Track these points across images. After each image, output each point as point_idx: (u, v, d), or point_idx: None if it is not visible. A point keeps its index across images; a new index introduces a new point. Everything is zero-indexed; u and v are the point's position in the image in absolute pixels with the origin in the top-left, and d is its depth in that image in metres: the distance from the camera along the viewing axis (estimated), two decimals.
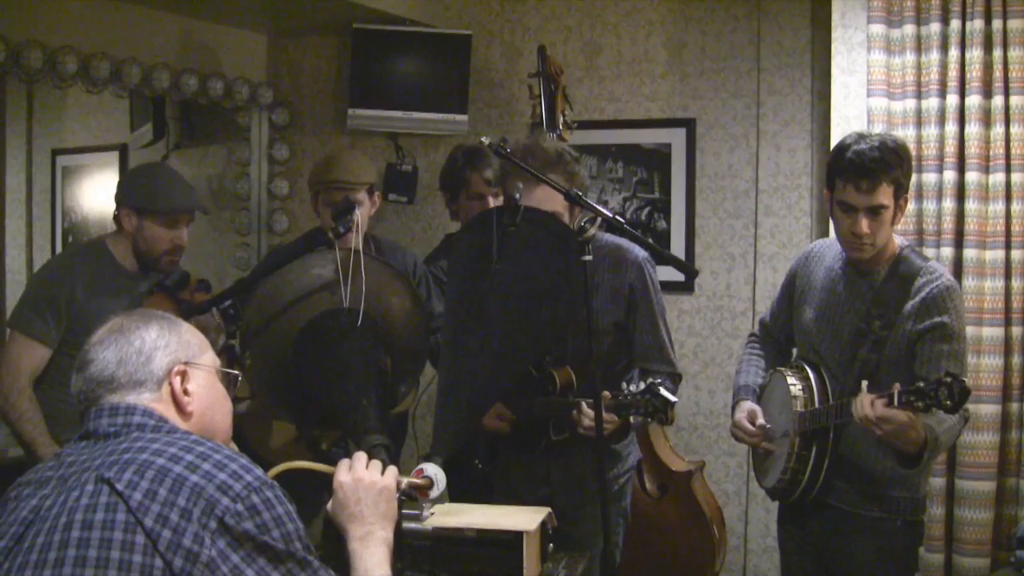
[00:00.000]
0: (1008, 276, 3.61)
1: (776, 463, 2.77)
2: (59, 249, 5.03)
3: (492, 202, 3.48)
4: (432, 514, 2.16)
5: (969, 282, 3.60)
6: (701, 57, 4.26)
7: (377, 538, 1.79)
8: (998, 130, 3.60)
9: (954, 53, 3.64)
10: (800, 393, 2.70)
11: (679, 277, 4.01)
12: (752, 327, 3.53)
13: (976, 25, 3.59)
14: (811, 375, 2.72)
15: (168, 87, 4.13)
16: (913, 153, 3.53)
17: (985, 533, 3.59)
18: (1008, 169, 3.60)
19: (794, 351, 2.97)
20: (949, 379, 2.27)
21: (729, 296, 4.27)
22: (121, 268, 3.11)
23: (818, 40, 4.08)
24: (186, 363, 1.70)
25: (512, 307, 2.49)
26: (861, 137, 2.59)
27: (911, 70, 3.74)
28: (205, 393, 1.72)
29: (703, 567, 3.80)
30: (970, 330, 3.34)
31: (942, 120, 3.68)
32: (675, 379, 2.97)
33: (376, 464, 1.89)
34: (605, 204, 4.27)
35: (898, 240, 2.71)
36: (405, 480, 1.99)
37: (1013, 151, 3.59)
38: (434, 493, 2.09)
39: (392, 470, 1.91)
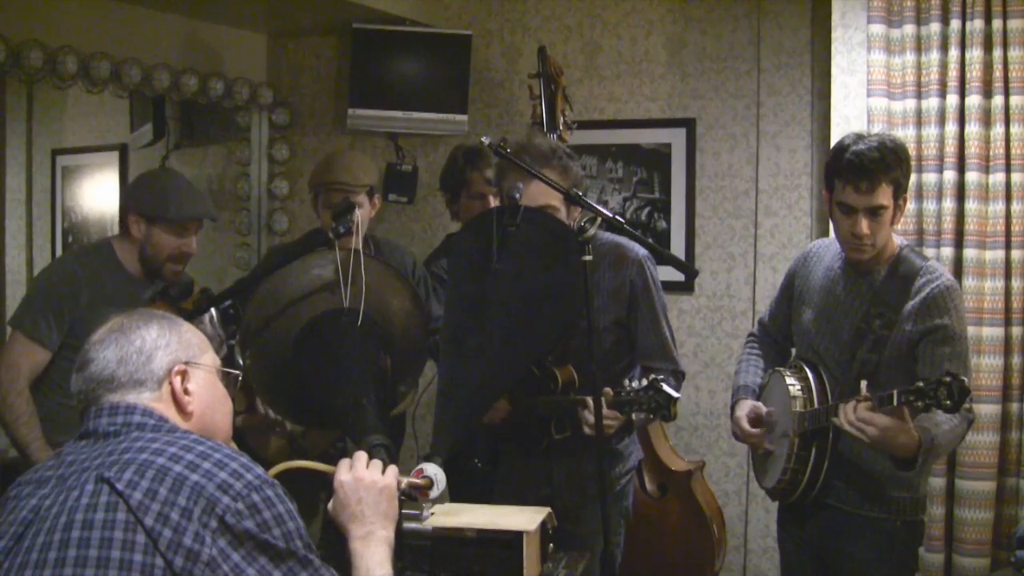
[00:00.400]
0: (1008, 276, 3.61)
1: (776, 463, 2.77)
2: (59, 249, 5.03)
3: (493, 202, 3.48)
4: (432, 514, 2.16)
5: (969, 282, 3.60)
6: (701, 57, 4.26)
7: (378, 537, 1.79)
8: (998, 130, 3.60)
9: (954, 53, 3.64)
10: (799, 393, 2.70)
11: (679, 277, 4.00)
12: (752, 327, 3.53)
13: (976, 25, 3.59)
14: (810, 375, 2.72)
15: (168, 87, 4.13)
16: (913, 153, 3.55)
17: (985, 533, 3.59)
18: (1008, 169, 3.60)
19: (792, 351, 2.97)
20: (948, 378, 2.28)
21: (729, 296, 4.27)
22: (126, 273, 3.10)
23: (818, 40, 4.09)
24: (186, 363, 1.70)
25: (512, 307, 2.48)
26: (859, 138, 2.59)
27: (911, 70, 3.74)
28: (205, 393, 1.72)
29: (703, 567, 3.81)
30: (970, 330, 3.33)
31: (942, 120, 3.68)
32: (678, 376, 2.96)
33: (376, 463, 1.89)
34: (605, 204, 4.27)
35: (898, 240, 2.71)
36: (405, 480, 1.99)
37: (1013, 151, 3.59)
38: (434, 493, 2.09)
39: (392, 469, 1.91)
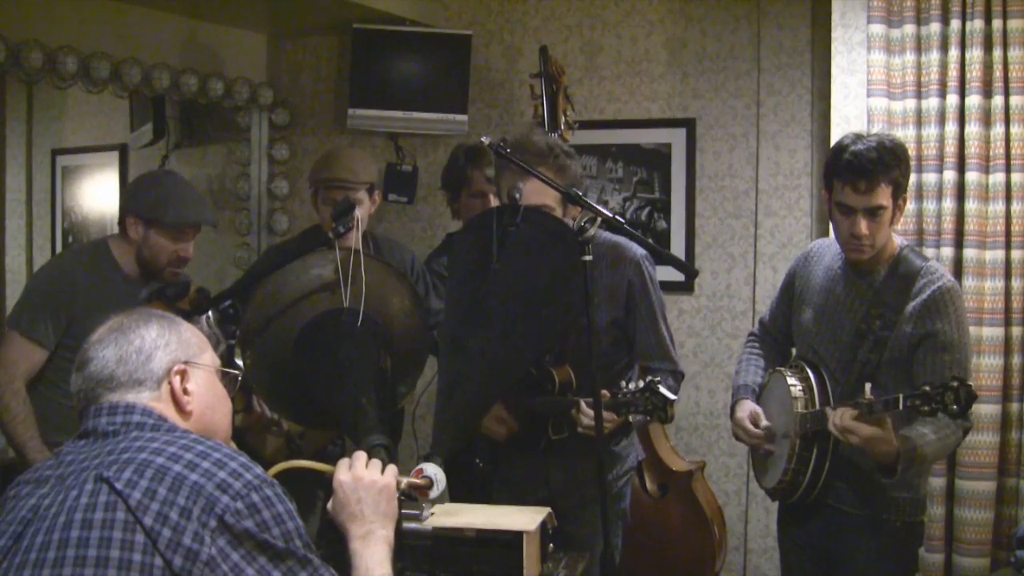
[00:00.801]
0: (1008, 276, 3.61)
1: (776, 464, 2.76)
2: (59, 249, 5.02)
3: (493, 200, 3.48)
4: (432, 514, 2.16)
5: (969, 282, 3.60)
6: (701, 57, 4.26)
7: (378, 537, 1.79)
8: (998, 130, 3.60)
9: (954, 53, 3.64)
10: (800, 394, 2.69)
11: (679, 277, 4.01)
12: (752, 327, 3.53)
13: (976, 25, 3.59)
14: (811, 375, 2.71)
15: (168, 87, 4.13)
16: (913, 153, 3.55)
17: (985, 533, 3.59)
18: (1008, 169, 3.60)
19: (793, 351, 2.97)
20: (956, 383, 2.26)
21: (729, 296, 4.27)
22: (122, 273, 3.09)
23: (818, 40, 4.09)
24: (186, 362, 1.70)
25: (512, 307, 2.48)
26: (858, 138, 2.58)
27: (911, 70, 3.74)
28: (205, 392, 1.72)
29: (703, 567, 3.80)
30: (970, 330, 3.33)
31: (942, 120, 3.68)
32: (677, 376, 2.96)
33: (376, 463, 1.89)
34: (605, 204, 4.27)
35: (897, 240, 2.70)
36: (405, 480, 1.99)
37: (1013, 151, 3.59)
38: (434, 493, 2.09)
39: (392, 469, 1.91)
